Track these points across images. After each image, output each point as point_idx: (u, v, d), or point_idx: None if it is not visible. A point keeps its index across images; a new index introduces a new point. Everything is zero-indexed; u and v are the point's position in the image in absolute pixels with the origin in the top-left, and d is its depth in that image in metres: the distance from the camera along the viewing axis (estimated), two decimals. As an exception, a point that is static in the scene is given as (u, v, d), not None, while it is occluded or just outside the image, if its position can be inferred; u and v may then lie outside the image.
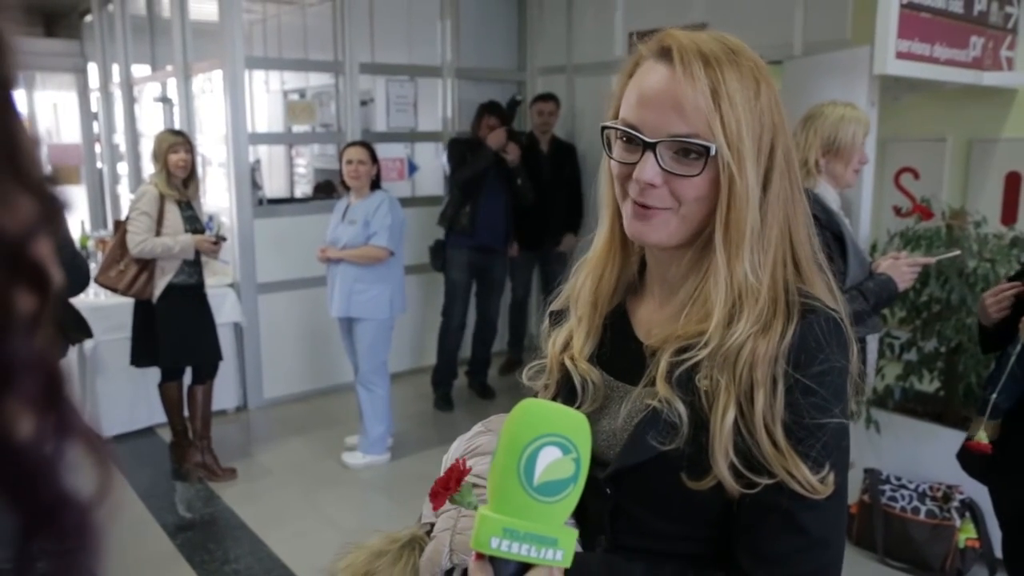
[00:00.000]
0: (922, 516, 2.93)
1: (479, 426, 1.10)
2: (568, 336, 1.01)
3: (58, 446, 0.29)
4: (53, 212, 0.30)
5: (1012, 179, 3.41)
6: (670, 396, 0.86)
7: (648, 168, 0.86)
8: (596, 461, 0.93)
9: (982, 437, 2.11)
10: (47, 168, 0.31)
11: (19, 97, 0.30)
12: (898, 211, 3.66)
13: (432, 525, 1.00)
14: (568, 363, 0.98)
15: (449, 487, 0.90)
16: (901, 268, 2.37)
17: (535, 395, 1.06)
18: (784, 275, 0.89)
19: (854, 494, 3.18)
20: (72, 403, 0.30)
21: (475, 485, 0.95)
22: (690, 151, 0.85)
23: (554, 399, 1.00)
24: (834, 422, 0.84)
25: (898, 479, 3.05)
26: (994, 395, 2.11)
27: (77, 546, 0.30)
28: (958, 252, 2.76)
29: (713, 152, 0.84)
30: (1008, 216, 3.40)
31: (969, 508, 2.89)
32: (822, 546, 0.85)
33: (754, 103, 0.85)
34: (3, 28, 0.29)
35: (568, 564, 0.74)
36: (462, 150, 4.65)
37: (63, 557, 0.30)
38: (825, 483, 0.82)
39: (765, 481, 0.82)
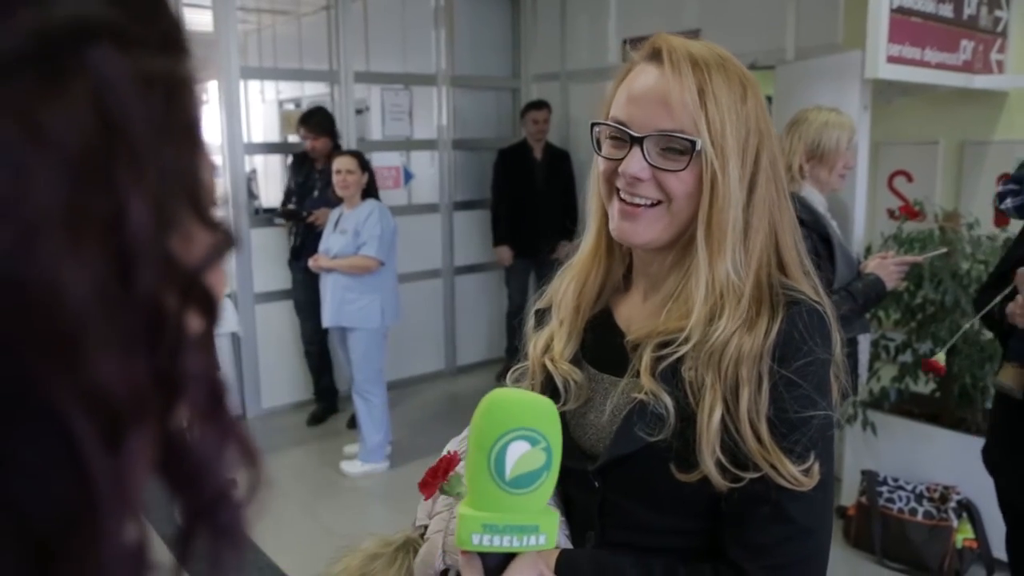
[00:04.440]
0: (919, 517, 2.94)
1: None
2: (549, 338, 1.02)
3: (219, 449, 0.33)
4: (225, 243, 0.33)
5: (1004, 181, 3.42)
6: (656, 389, 0.87)
7: (634, 162, 0.88)
8: (584, 455, 0.95)
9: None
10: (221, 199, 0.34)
11: (204, 133, 0.33)
12: (892, 214, 3.68)
13: (426, 527, 1.01)
14: (549, 364, 1.00)
15: (438, 476, 0.92)
16: (889, 267, 2.38)
17: None
18: (769, 275, 0.90)
19: (851, 496, 3.19)
20: (231, 413, 0.34)
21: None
22: (676, 146, 0.87)
23: None
24: (819, 414, 0.85)
25: (895, 480, 3.06)
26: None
27: (228, 541, 0.34)
28: (945, 250, 2.78)
29: (698, 147, 0.86)
30: (1001, 218, 3.42)
31: (966, 509, 2.90)
32: (806, 535, 0.87)
33: (740, 106, 0.87)
34: (190, 71, 0.32)
35: (552, 545, 0.76)
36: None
37: (216, 551, 0.34)
38: (810, 474, 0.84)
39: (751, 475, 0.84)
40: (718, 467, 0.84)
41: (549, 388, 1.00)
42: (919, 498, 2.97)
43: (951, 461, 2.90)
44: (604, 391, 0.97)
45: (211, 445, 0.33)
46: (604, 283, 1.02)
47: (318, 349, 4.65)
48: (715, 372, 0.85)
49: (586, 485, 0.94)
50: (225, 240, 0.33)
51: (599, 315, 1.02)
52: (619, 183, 0.91)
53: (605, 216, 0.96)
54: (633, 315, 0.99)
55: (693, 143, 0.86)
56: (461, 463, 0.94)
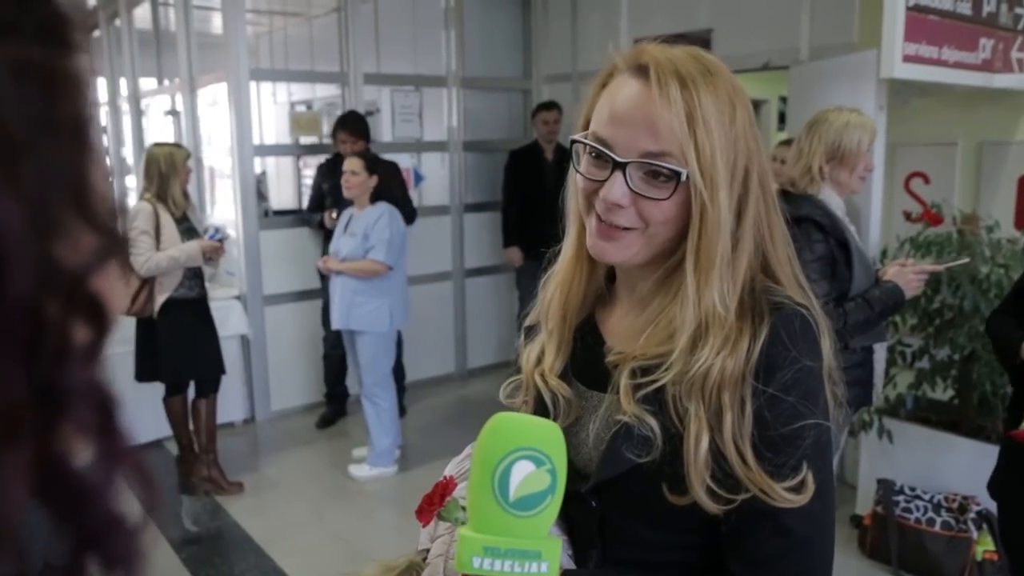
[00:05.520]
0: (937, 528, 2.87)
1: (470, 448, 1.08)
2: (540, 351, 1.00)
3: (109, 472, 0.31)
4: (114, 247, 0.31)
5: (1025, 183, 3.35)
6: (638, 412, 0.85)
7: (616, 188, 0.85)
8: (578, 474, 0.93)
9: None
10: (114, 202, 0.32)
11: (98, 132, 0.31)
12: (908, 216, 3.61)
13: (428, 551, 0.98)
14: (538, 380, 0.98)
15: (434, 503, 0.89)
16: (908, 275, 2.32)
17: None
18: (752, 284, 0.88)
19: (867, 505, 3.13)
20: (123, 431, 0.32)
21: (463, 508, 0.93)
22: (660, 173, 0.84)
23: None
24: (809, 424, 0.82)
25: (912, 490, 3.00)
26: None
27: (123, 569, 0.31)
28: (967, 260, 2.70)
29: (684, 178, 0.83)
30: (1021, 220, 3.35)
31: (986, 520, 2.83)
32: (807, 546, 0.85)
33: (729, 128, 0.84)
34: (77, 66, 0.30)
35: (554, 574, 0.74)
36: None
37: None
38: (803, 489, 0.81)
39: (743, 497, 0.82)
40: (709, 494, 0.82)
41: (541, 404, 0.99)
42: (937, 508, 2.91)
43: (970, 470, 2.83)
44: (592, 408, 0.95)
45: (99, 467, 0.31)
46: (588, 288, 1.00)
47: (340, 354, 4.64)
48: (698, 399, 0.83)
49: (584, 504, 0.93)
50: (113, 243, 0.31)
51: (585, 324, 1.00)
52: (598, 204, 0.88)
53: (583, 223, 0.94)
54: (616, 330, 0.98)
55: (679, 172, 0.83)
56: (458, 487, 0.91)
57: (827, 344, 0.87)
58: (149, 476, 0.32)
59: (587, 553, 0.95)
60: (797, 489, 0.81)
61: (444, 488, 0.89)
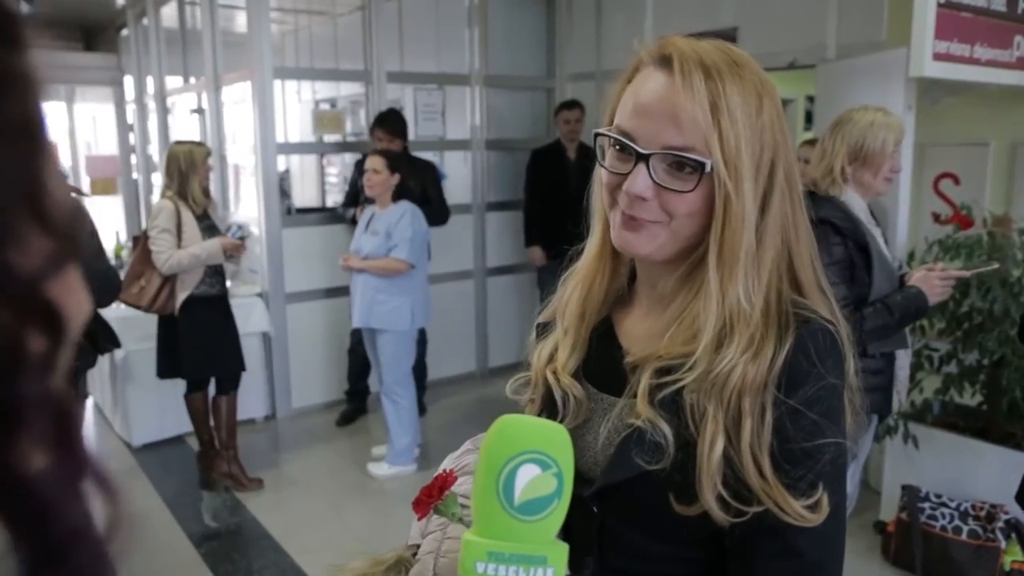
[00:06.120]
0: (964, 536, 2.81)
1: (468, 443, 1.07)
2: (553, 348, 0.98)
3: (69, 484, 0.30)
4: (69, 252, 0.30)
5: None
6: (653, 417, 0.83)
7: (639, 180, 0.83)
8: (581, 478, 0.90)
9: None
10: (70, 203, 0.31)
11: (50, 131, 0.30)
12: (937, 218, 3.54)
13: (418, 547, 0.97)
14: (550, 377, 0.96)
15: (432, 495, 0.88)
16: (933, 281, 2.26)
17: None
18: (778, 295, 0.85)
19: (891, 511, 3.07)
20: (83, 442, 0.31)
21: (463, 506, 0.93)
22: (684, 165, 0.82)
23: (539, 414, 0.98)
24: (828, 443, 0.80)
25: (938, 497, 2.93)
26: None
27: None
28: (996, 265, 2.62)
29: (708, 169, 0.80)
30: (1055, 223, 3.26)
31: (1015, 529, 2.76)
32: (817, 569, 0.82)
33: (755, 119, 0.81)
34: (27, 65, 0.29)
35: None
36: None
37: None
38: (818, 508, 0.79)
39: (755, 510, 0.79)
40: (719, 502, 0.79)
41: (550, 402, 0.96)
42: (964, 516, 2.84)
43: (999, 478, 2.76)
44: (603, 412, 0.93)
45: (59, 480, 0.29)
46: (609, 289, 0.97)
47: (365, 350, 4.67)
48: (717, 402, 0.80)
49: (584, 509, 0.90)
50: (68, 248, 0.30)
51: (601, 326, 0.97)
52: (621, 199, 0.86)
53: (608, 220, 0.92)
54: (634, 331, 0.95)
55: (703, 164, 0.81)
56: (457, 482, 0.90)
57: (851, 362, 0.85)
58: (113, 488, 0.31)
59: (583, 560, 0.93)
60: (812, 508, 0.79)
61: (443, 481, 0.87)
